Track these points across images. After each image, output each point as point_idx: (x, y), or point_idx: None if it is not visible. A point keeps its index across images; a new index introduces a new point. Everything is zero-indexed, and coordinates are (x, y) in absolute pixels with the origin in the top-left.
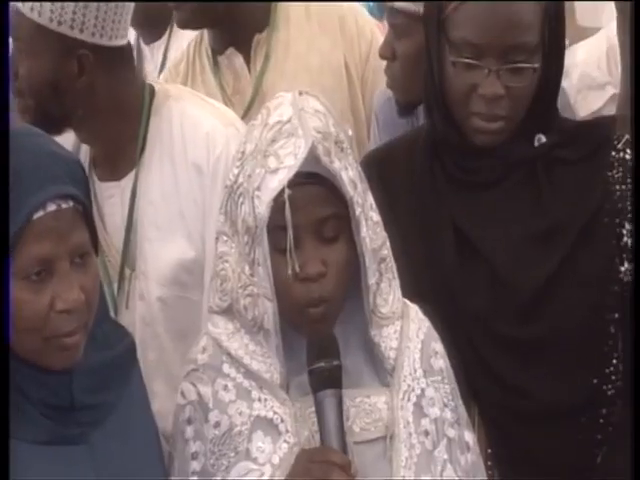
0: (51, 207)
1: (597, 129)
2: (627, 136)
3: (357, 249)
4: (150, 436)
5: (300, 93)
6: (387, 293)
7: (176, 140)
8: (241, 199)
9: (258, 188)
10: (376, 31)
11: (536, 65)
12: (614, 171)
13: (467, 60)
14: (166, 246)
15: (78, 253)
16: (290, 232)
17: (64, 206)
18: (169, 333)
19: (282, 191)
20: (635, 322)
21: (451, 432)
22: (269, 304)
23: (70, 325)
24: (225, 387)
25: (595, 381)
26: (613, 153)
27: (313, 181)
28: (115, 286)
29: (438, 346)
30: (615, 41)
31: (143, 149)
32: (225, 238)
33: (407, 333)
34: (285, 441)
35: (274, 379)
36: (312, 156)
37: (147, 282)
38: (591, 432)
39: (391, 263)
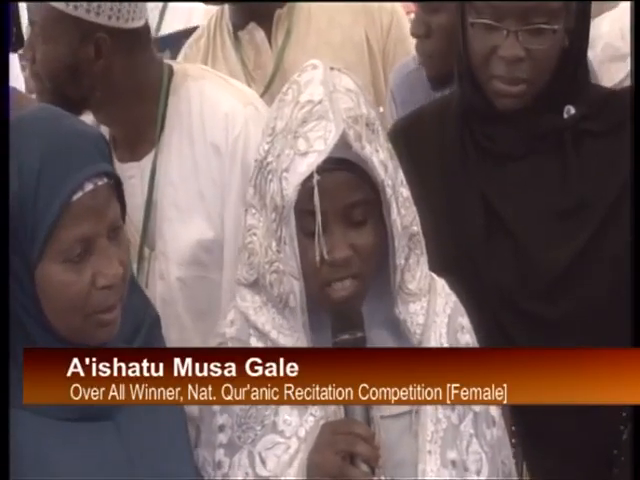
0: (89, 186)
1: (626, 100)
2: None
3: (387, 231)
4: (175, 410)
5: (332, 68)
6: (415, 269)
7: (195, 120)
8: (270, 176)
9: (287, 170)
10: (397, 4)
11: (556, 27)
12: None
13: (486, 21)
14: (185, 226)
15: (113, 228)
16: (319, 218)
17: (100, 183)
18: (189, 313)
19: (311, 176)
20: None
21: (477, 406)
22: (295, 282)
23: (110, 300)
24: None
25: None
26: None
27: (342, 167)
28: (135, 266)
29: (465, 321)
30: None
31: (162, 129)
32: (254, 211)
33: (434, 308)
34: (311, 414)
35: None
36: (343, 142)
37: (167, 262)
38: (616, 409)
39: (420, 239)
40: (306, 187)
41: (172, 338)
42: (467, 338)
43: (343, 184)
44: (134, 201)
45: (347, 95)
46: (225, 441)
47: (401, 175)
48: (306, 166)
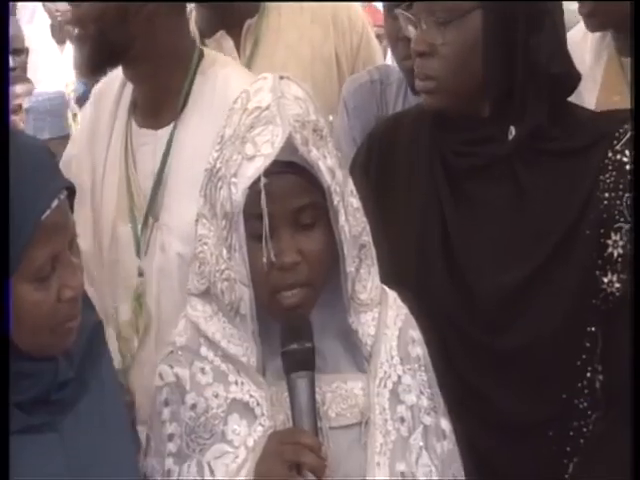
0: (54, 203)
1: (603, 123)
2: (630, 134)
3: (335, 237)
4: (122, 419)
5: (281, 77)
6: (366, 280)
7: (217, 104)
8: (220, 183)
9: (235, 174)
10: (367, 24)
11: (450, 19)
12: (607, 175)
13: (402, 12)
14: (193, 205)
15: (73, 238)
16: (266, 221)
17: (62, 197)
18: (183, 292)
19: (258, 179)
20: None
21: (427, 419)
22: (245, 289)
23: (75, 309)
24: (202, 370)
25: (565, 395)
26: (610, 154)
27: (290, 170)
28: (139, 227)
29: (416, 333)
30: None
31: (185, 105)
32: (204, 221)
33: (385, 320)
34: (260, 424)
35: (251, 363)
36: (289, 145)
37: (169, 235)
38: (560, 445)
39: (371, 249)
40: (254, 191)
41: (168, 310)
42: (418, 350)
43: (291, 187)
44: (144, 167)
45: (295, 102)
46: (174, 450)
47: (351, 185)
48: (253, 170)
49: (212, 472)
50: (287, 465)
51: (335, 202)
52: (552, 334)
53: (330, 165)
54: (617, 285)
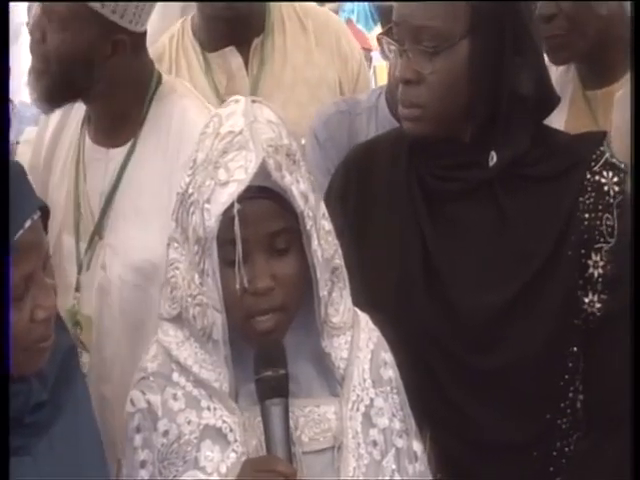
0: (27, 223)
1: (580, 145)
2: (607, 155)
3: (308, 261)
4: (96, 444)
5: (253, 101)
6: (338, 303)
7: (172, 136)
8: (192, 208)
9: (208, 200)
10: (362, 53)
11: (438, 49)
12: (586, 196)
13: (386, 38)
14: (140, 232)
15: (46, 258)
16: (239, 248)
17: (35, 217)
18: (123, 316)
19: (232, 205)
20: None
21: (399, 442)
22: (218, 315)
23: (48, 329)
24: (174, 396)
25: (548, 416)
26: (588, 175)
27: (264, 195)
28: (82, 245)
29: (387, 356)
30: None
31: (140, 130)
32: (176, 245)
33: (357, 343)
34: (233, 450)
35: (223, 388)
36: (263, 170)
37: (112, 256)
38: (544, 465)
39: (343, 272)
40: (227, 217)
41: (104, 325)
42: (390, 373)
43: (264, 213)
44: (93, 183)
45: (268, 126)
46: (146, 477)
47: (323, 208)
48: (227, 196)
49: None
50: None
51: (308, 226)
52: (535, 354)
53: (303, 190)
54: (598, 305)
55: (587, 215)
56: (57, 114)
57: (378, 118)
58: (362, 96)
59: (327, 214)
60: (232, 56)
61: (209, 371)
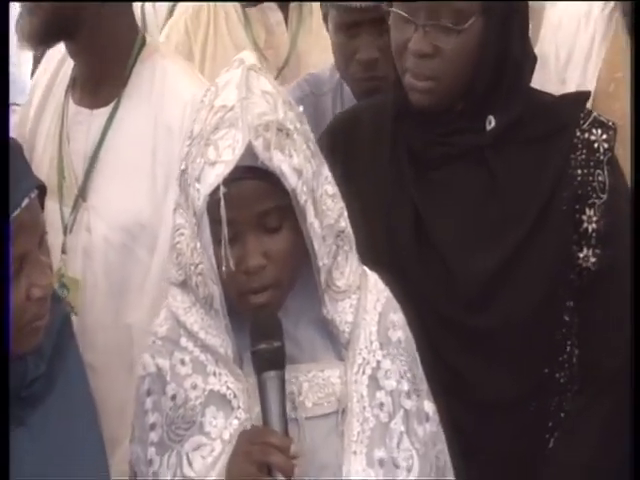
0: (25, 202)
1: (566, 105)
2: (595, 114)
3: (304, 235)
4: (89, 413)
5: (250, 69)
6: (343, 266)
7: (155, 97)
8: (189, 180)
9: (198, 179)
10: None
11: (461, 28)
12: (577, 153)
13: (400, 12)
14: (123, 192)
15: (42, 237)
16: (225, 231)
17: (32, 196)
18: (107, 279)
19: (219, 187)
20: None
21: (408, 403)
22: (215, 287)
23: (44, 309)
24: (182, 361)
25: (546, 370)
26: (578, 133)
27: (253, 175)
28: (66, 210)
29: (397, 317)
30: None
31: (123, 90)
32: (181, 210)
33: (364, 305)
34: (236, 417)
35: (228, 354)
36: (251, 151)
37: (96, 217)
38: (542, 419)
39: (349, 234)
40: (215, 198)
41: (90, 290)
42: (399, 334)
43: (253, 193)
44: (76, 146)
45: (263, 98)
46: (156, 439)
47: (326, 172)
48: (214, 177)
49: (190, 464)
50: (256, 465)
51: (302, 202)
52: (532, 310)
53: (296, 164)
54: (592, 260)
55: (579, 171)
56: (42, 84)
57: (343, 97)
58: (325, 73)
59: (330, 177)
60: (271, 11)
61: (214, 337)
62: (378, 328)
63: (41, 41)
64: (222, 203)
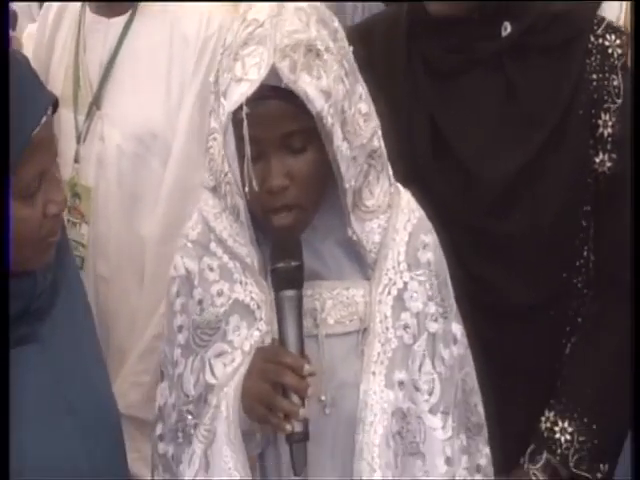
0: (43, 119)
1: (579, 13)
2: (607, 20)
3: (330, 158)
4: (90, 319)
5: None
6: (374, 186)
7: (172, 6)
8: (218, 92)
9: (224, 94)
10: None
11: None
12: (592, 58)
13: None
14: (139, 102)
15: (56, 153)
16: (248, 152)
17: (49, 113)
18: (120, 188)
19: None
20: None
21: (434, 326)
22: (240, 201)
23: (58, 224)
24: (210, 266)
25: (565, 275)
26: (592, 39)
27: (277, 95)
28: (80, 118)
29: (428, 238)
30: None
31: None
32: (215, 115)
33: (394, 224)
34: (258, 329)
35: (254, 265)
36: (276, 71)
37: (110, 126)
38: (560, 325)
39: (382, 154)
40: (239, 116)
41: (103, 199)
42: (429, 256)
43: (278, 113)
44: (92, 55)
45: (295, 15)
46: (182, 342)
47: (360, 90)
48: (238, 95)
49: (212, 370)
50: (270, 383)
51: (328, 125)
52: (552, 215)
53: (324, 85)
54: (608, 164)
55: (594, 76)
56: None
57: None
58: None
59: (365, 95)
60: None
61: (241, 246)
62: (407, 249)
63: None
64: (245, 124)
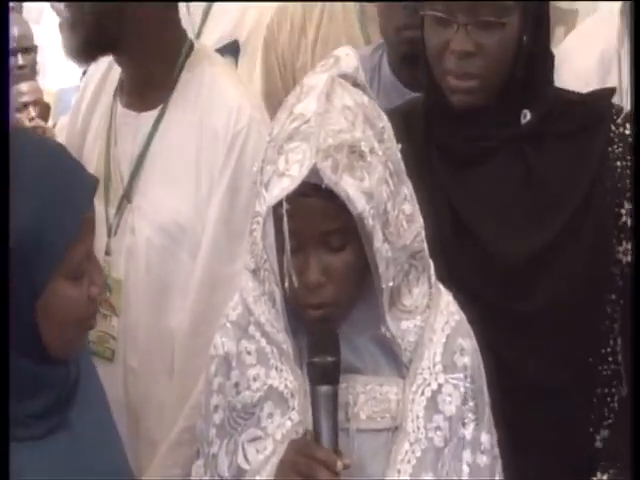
0: (94, 200)
1: (596, 101)
2: (627, 110)
3: (368, 258)
4: (105, 402)
5: (338, 77)
6: (414, 286)
7: (203, 102)
8: (260, 182)
9: (266, 186)
10: None
11: (504, 20)
12: (614, 146)
13: (436, 14)
14: (169, 195)
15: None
16: (287, 248)
17: (96, 192)
18: (149, 279)
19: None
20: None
21: (465, 432)
22: (277, 289)
23: (96, 306)
24: (247, 350)
25: (590, 360)
26: (613, 128)
27: (319, 194)
28: (111, 210)
29: (466, 343)
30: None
31: (171, 95)
32: (261, 200)
33: (432, 325)
34: (290, 418)
35: (290, 352)
36: (317, 171)
37: (141, 219)
38: (585, 411)
39: (424, 255)
40: (279, 211)
41: (134, 291)
42: (465, 360)
43: (318, 212)
44: (123, 148)
45: (342, 114)
46: (218, 422)
47: (405, 190)
48: (279, 190)
49: (245, 455)
50: (302, 477)
51: (368, 227)
52: (572, 297)
53: (367, 187)
54: (629, 255)
55: (618, 163)
56: (92, 86)
57: (381, 79)
58: (366, 52)
59: (410, 195)
60: None
61: (278, 332)
62: (444, 350)
63: (86, 57)
64: (285, 221)
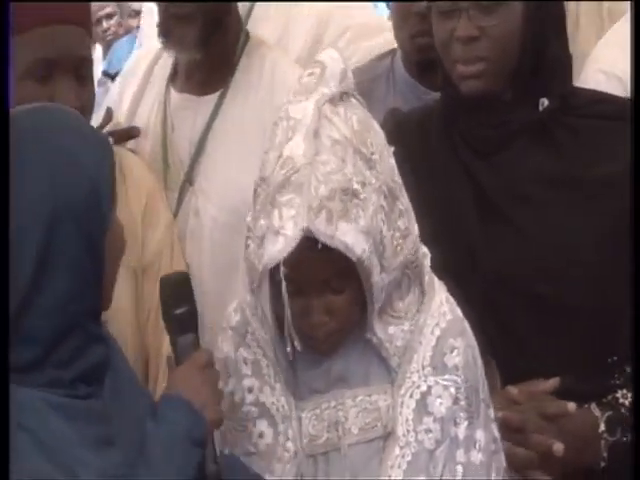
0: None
1: (612, 100)
2: None
3: (365, 290)
4: (135, 381)
5: (325, 104)
6: (405, 293)
7: (264, 83)
8: (253, 231)
9: (260, 242)
10: None
11: (500, 2)
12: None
13: (439, 3)
14: (234, 175)
15: None
16: (287, 312)
17: None
18: (213, 260)
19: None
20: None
21: (458, 431)
22: (268, 337)
23: None
24: (245, 359)
25: (609, 360)
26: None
27: (316, 246)
28: (175, 195)
29: (458, 342)
30: None
31: (232, 77)
32: (252, 222)
33: (422, 329)
34: (280, 444)
35: (284, 367)
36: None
37: (205, 201)
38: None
39: (419, 265)
40: (277, 276)
41: (194, 276)
42: (456, 360)
43: (317, 262)
44: (181, 133)
45: (331, 151)
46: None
47: (399, 207)
48: (275, 252)
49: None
50: None
51: (367, 265)
52: (603, 282)
53: (364, 225)
54: None
55: None
56: (135, 79)
57: (396, 81)
58: (372, 60)
59: (405, 207)
60: None
61: (271, 350)
62: (433, 353)
63: (204, 44)
64: (284, 284)
